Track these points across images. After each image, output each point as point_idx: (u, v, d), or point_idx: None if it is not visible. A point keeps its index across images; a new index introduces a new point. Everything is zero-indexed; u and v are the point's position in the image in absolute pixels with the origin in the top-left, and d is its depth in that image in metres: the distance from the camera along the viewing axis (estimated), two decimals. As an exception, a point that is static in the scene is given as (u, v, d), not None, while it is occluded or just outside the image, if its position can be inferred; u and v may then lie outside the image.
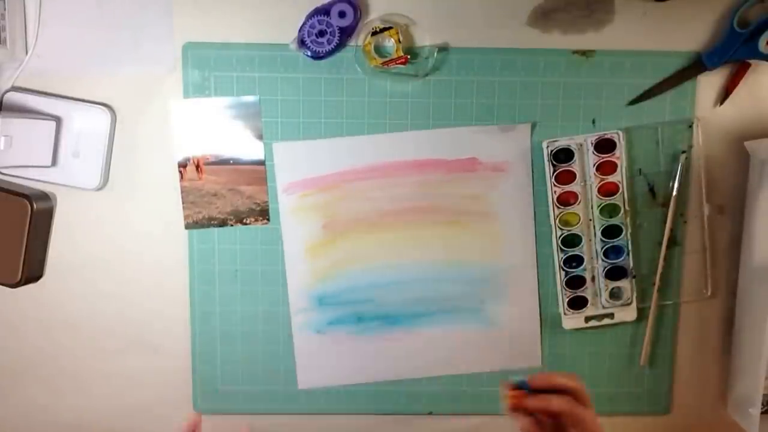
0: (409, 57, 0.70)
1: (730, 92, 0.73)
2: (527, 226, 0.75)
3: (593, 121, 0.74)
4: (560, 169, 0.73)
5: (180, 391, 0.77)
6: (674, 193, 0.74)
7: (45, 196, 0.73)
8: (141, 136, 0.73)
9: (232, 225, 0.75)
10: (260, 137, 0.73)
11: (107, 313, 0.76)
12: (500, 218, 0.75)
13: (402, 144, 0.73)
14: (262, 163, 0.74)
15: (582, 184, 0.73)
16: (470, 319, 0.76)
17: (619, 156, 0.73)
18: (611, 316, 0.75)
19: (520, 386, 0.60)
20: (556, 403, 0.58)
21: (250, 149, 0.74)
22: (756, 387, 0.70)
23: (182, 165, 0.74)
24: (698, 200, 0.74)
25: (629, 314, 0.75)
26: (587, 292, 0.75)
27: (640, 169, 0.74)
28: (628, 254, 0.74)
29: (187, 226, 0.75)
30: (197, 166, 0.74)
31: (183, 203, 0.74)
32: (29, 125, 0.70)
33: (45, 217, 0.73)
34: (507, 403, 0.59)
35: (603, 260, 0.74)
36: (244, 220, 0.75)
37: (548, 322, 0.76)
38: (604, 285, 0.74)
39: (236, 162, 0.74)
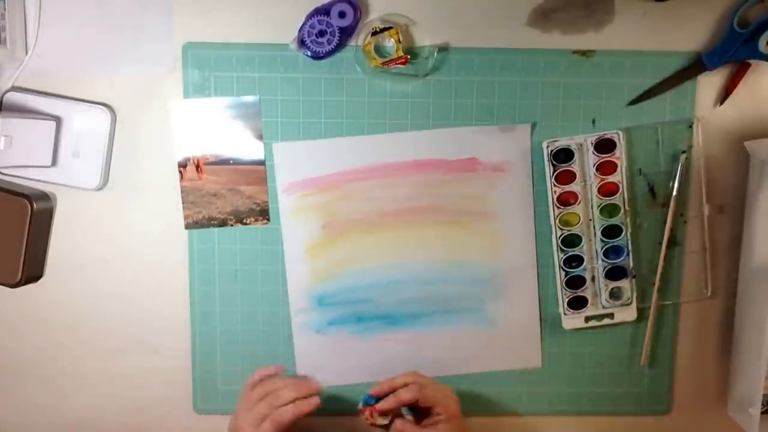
0: (409, 57, 0.70)
1: (730, 92, 0.73)
2: (527, 226, 0.75)
3: (593, 121, 0.74)
4: (560, 169, 0.73)
5: (180, 391, 0.77)
6: (674, 193, 0.74)
7: (45, 196, 0.73)
8: (141, 136, 0.73)
9: (232, 225, 0.75)
10: (260, 137, 0.73)
11: (107, 313, 0.76)
12: (500, 218, 0.75)
13: (402, 144, 0.73)
14: (262, 163, 0.74)
15: (582, 184, 0.73)
16: (470, 319, 0.76)
17: (619, 156, 0.73)
18: (611, 316, 0.75)
19: (366, 402, 0.67)
20: (403, 394, 0.66)
21: (250, 149, 0.74)
22: (756, 387, 0.70)
23: (182, 165, 0.74)
24: (698, 200, 0.74)
25: (629, 314, 0.75)
26: (587, 292, 0.75)
27: (640, 169, 0.74)
28: (628, 254, 0.74)
29: (187, 226, 0.75)
30: (197, 166, 0.74)
31: (183, 203, 0.74)
32: (29, 125, 0.70)
33: (45, 217, 0.73)
34: (366, 422, 0.67)
35: (603, 260, 0.74)
36: (244, 220, 0.75)
37: (548, 322, 0.76)
38: (604, 285, 0.74)
39: (236, 162, 0.74)
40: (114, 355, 0.76)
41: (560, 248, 0.74)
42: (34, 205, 0.70)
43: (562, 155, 0.73)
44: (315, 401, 0.68)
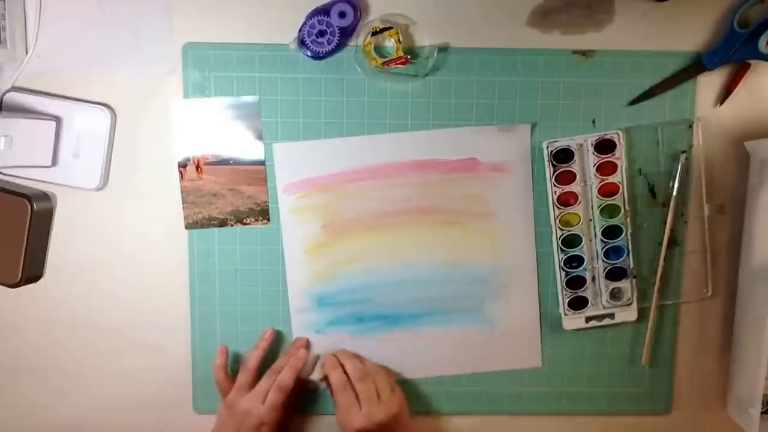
0: (409, 57, 0.70)
1: (730, 92, 0.73)
2: (527, 227, 0.75)
3: (593, 121, 0.74)
4: (560, 170, 0.73)
5: (180, 391, 0.77)
6: (674, 193, 0.74)
7: (45, 196, 0.73)
8: (141, 136, 0.73)
9: (232, 225, 0.75)
10: (260, 137, 0.73)
11: (107, 313, 0.76)
12: (500, 218, 0.75)
13: (402, 144, 0.73)
14: (262, 163, 0.74)
15: (582, 184, 0.73)
16: (470, 319, 0.76)
17: (619, 156, 0.73)
18: (611, 316, 0.75)
19: None
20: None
21: (250, 149, 0.74)
22: (756, 387, 0.70)
23: (182, 165, 0.74)
24: (698, 200, 0.74)
25: (629, 314, 0.75)
26: (587, 292, 0.75)
27: (640, 170, 0.74)
28: (628, 255, 0.74)
29: (187, 226, 0.75)
30: (197, 166, 0.74)
31: (183, 203, 0.74)
32: (29, 125, 0.70)
33: (45, 217, 0.73)
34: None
35: (603, 261, 0.74)
36: (244, 220, 0.75)
37: (548, 323, 0.76)
38: (604, 285, 0.74)
39: (236, 162, 0.74)
40: (114, 355, 0.76)
41: (560, 248, 0.74)
42: (34, 205, 0.70)
43: (562, 155, 0.73)
44: (302, 353, 0.73)
